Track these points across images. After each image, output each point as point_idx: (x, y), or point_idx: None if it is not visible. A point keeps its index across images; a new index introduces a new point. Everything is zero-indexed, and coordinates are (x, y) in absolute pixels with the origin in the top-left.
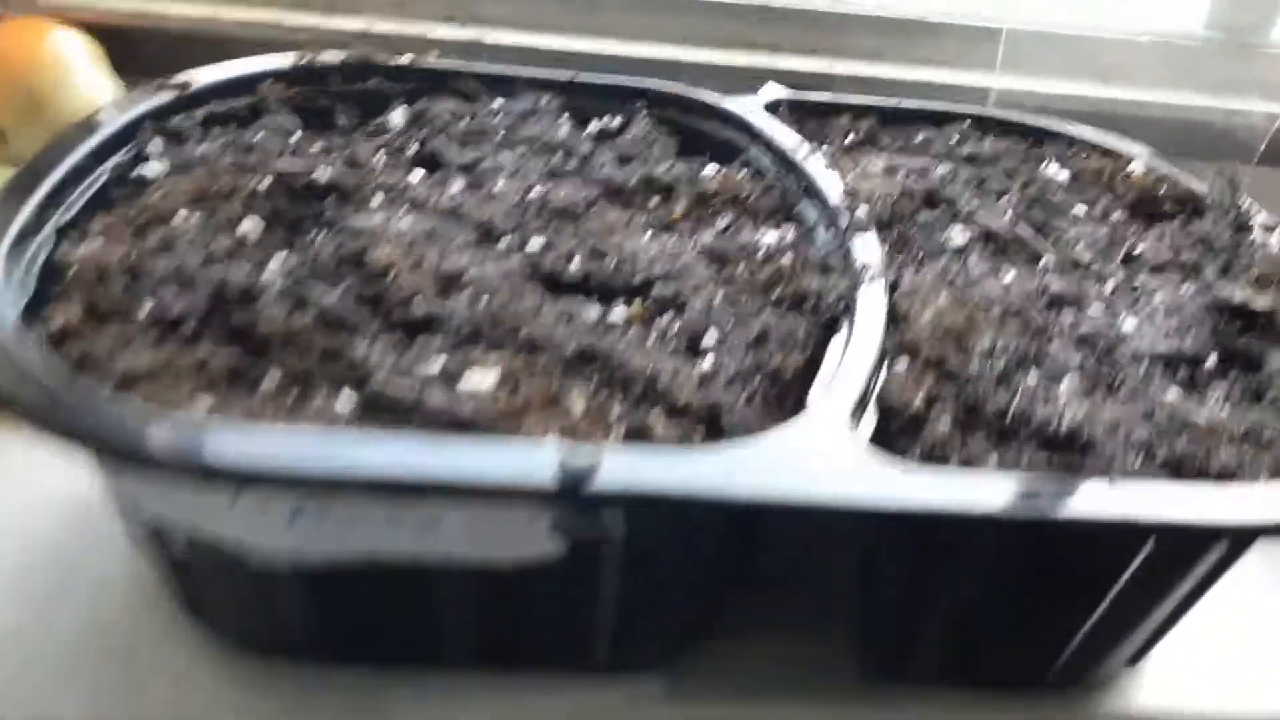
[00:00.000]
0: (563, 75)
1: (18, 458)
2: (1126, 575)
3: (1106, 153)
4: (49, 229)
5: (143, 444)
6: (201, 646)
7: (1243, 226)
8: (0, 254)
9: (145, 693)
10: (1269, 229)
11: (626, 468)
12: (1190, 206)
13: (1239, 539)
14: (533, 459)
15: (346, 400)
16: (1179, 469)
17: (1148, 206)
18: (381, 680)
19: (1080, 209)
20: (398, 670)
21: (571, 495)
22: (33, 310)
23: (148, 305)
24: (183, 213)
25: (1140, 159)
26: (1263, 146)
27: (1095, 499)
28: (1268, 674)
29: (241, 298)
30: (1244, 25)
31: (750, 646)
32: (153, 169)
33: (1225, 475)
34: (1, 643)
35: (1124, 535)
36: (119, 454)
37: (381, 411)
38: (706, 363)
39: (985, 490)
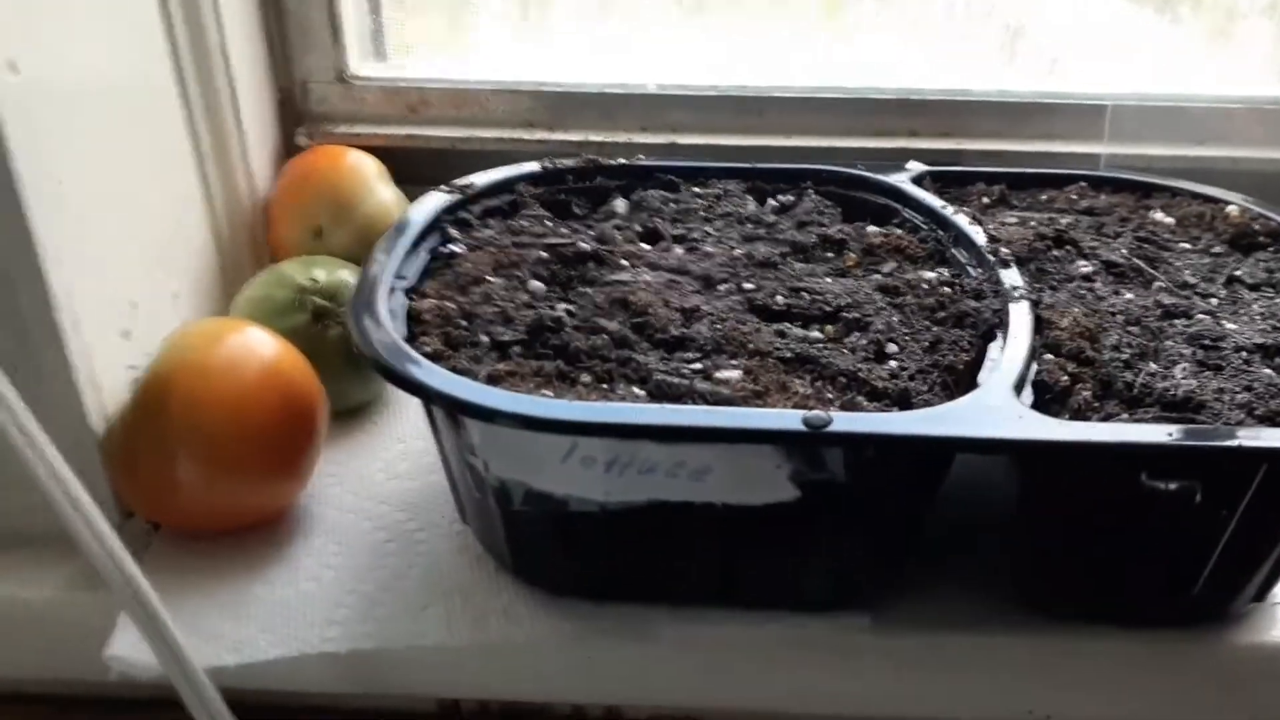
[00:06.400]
0: (742, 165)
1: (377, 458)
2: (1241, 507)
3: (1206, 199)
4: (399, 292)
5: (524, 412)
6: (518, 589)
7: None
8: (382, 308)
9: (483, 621)
10: None
11: (852, 421)
12: None
13: None
14: (784, 417)
15: (639, 392)
16: (1274, 422)
17: (1244, 240)
18: (645, 610)
19: (1185, 245)
20: (656, 603)
21: (814, 437)
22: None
23: (484, 337)
24: (488, 277)
25: (1235, 203)
26: None
27: (1206, 436)
28: None
29: (552, 327)
30: None
31: (934, 591)
32: (456, 248)
33: None
34: (381, 587)
35: (1236, 465)
36: (510, 421)
37: (664, 398)
38: (892, 364)
39: (1124, 432)
